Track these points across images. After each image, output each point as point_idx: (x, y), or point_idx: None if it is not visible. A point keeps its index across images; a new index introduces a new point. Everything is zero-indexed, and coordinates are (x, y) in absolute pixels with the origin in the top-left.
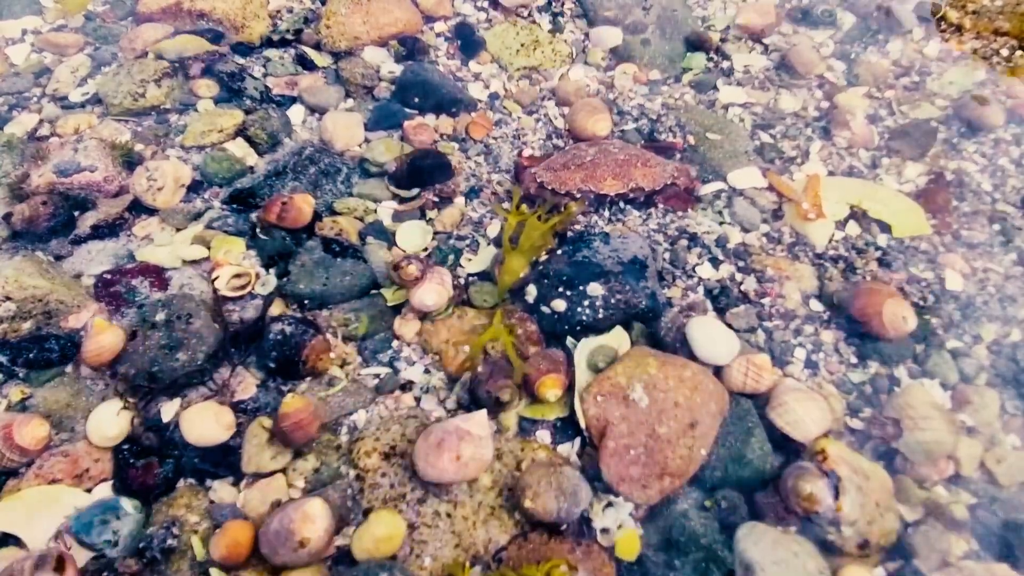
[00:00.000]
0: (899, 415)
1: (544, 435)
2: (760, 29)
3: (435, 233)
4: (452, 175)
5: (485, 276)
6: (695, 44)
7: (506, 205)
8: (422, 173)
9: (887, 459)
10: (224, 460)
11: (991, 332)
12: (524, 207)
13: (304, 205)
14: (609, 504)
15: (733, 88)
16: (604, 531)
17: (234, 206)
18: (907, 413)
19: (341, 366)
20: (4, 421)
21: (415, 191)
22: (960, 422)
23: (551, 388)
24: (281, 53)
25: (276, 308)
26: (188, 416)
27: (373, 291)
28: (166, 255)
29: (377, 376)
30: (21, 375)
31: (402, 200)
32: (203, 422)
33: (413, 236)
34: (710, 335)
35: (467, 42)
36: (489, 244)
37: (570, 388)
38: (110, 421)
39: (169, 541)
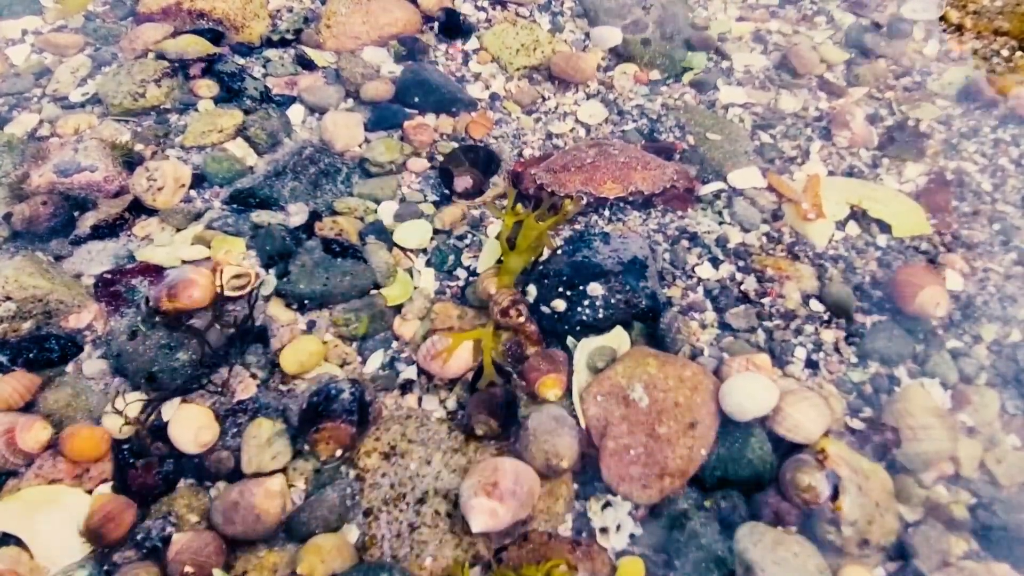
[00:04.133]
0: (898, 423)
1: None
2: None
3: (435, 232)
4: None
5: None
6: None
7: (501, 202)
8: (484, 168)
9: (885, 460)
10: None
11: (991, 332)
12: (519, 207)
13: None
14: (607, 504)
15: (733, 88)
16: (603, 531)
17: (234, 206)
18: (906, 422)
19: (341, 366)
20: (7, 425)
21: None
22: (960, 423)
23: (551, 388)
24: (281, 53)
25: (272, 308)
26: (176, 419)
27: (373, 291)
28: (166, 255)
29: (377, 376)
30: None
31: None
32: (183, 431)
33: (412, 235)
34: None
35: (454, 26)
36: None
37: (571, 388)
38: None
39: (168, 529)
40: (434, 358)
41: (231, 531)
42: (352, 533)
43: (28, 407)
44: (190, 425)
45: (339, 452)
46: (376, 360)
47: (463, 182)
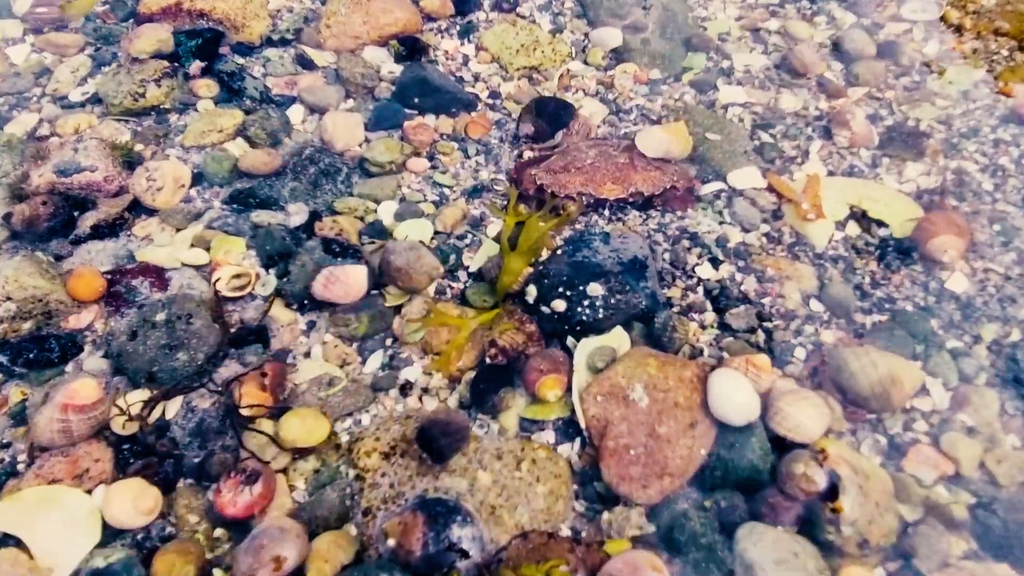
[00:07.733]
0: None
1: (544, 435)
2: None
3: (435, 232)
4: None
5: (482, 277)
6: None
7: (498, 202)
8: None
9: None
10: None
11: (991, 332)
12: (522, 208)
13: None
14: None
15: (733, 88)
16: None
17: (234, 206)
18: (871, 353)
19: (341, 366)
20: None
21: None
22: (961, 423)
23: (551, 388)
24: (281, 53)
25: (272, 308)
26: (108, 495)
27: (373, 291)
28: (166, 255)
29: (377, 376)
30: (21, 375)
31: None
32: (120, 504)
33: (412, 234)
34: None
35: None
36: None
37: (571, 388)
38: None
39: (168, 529)
40: (328, 287)
41: None
42: (352, 533)
43: None
44: (124, 500)
45: None
46: (376, 360)
47: (525, 128)
